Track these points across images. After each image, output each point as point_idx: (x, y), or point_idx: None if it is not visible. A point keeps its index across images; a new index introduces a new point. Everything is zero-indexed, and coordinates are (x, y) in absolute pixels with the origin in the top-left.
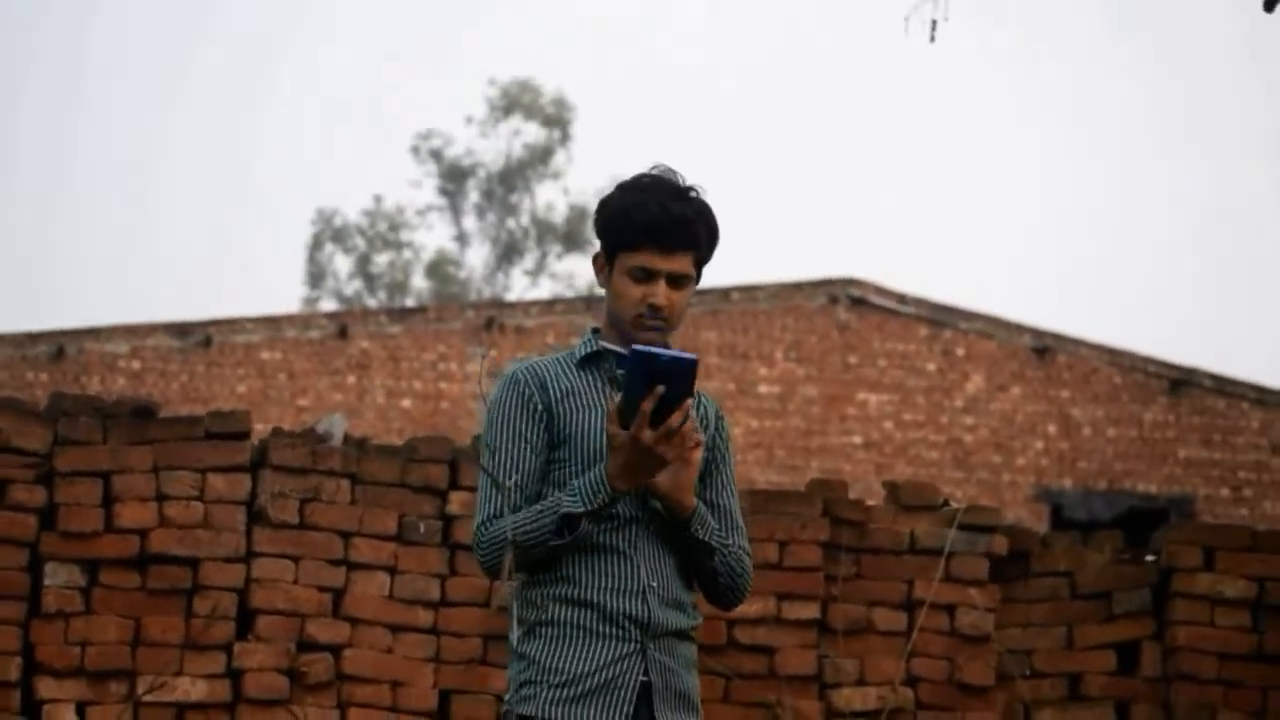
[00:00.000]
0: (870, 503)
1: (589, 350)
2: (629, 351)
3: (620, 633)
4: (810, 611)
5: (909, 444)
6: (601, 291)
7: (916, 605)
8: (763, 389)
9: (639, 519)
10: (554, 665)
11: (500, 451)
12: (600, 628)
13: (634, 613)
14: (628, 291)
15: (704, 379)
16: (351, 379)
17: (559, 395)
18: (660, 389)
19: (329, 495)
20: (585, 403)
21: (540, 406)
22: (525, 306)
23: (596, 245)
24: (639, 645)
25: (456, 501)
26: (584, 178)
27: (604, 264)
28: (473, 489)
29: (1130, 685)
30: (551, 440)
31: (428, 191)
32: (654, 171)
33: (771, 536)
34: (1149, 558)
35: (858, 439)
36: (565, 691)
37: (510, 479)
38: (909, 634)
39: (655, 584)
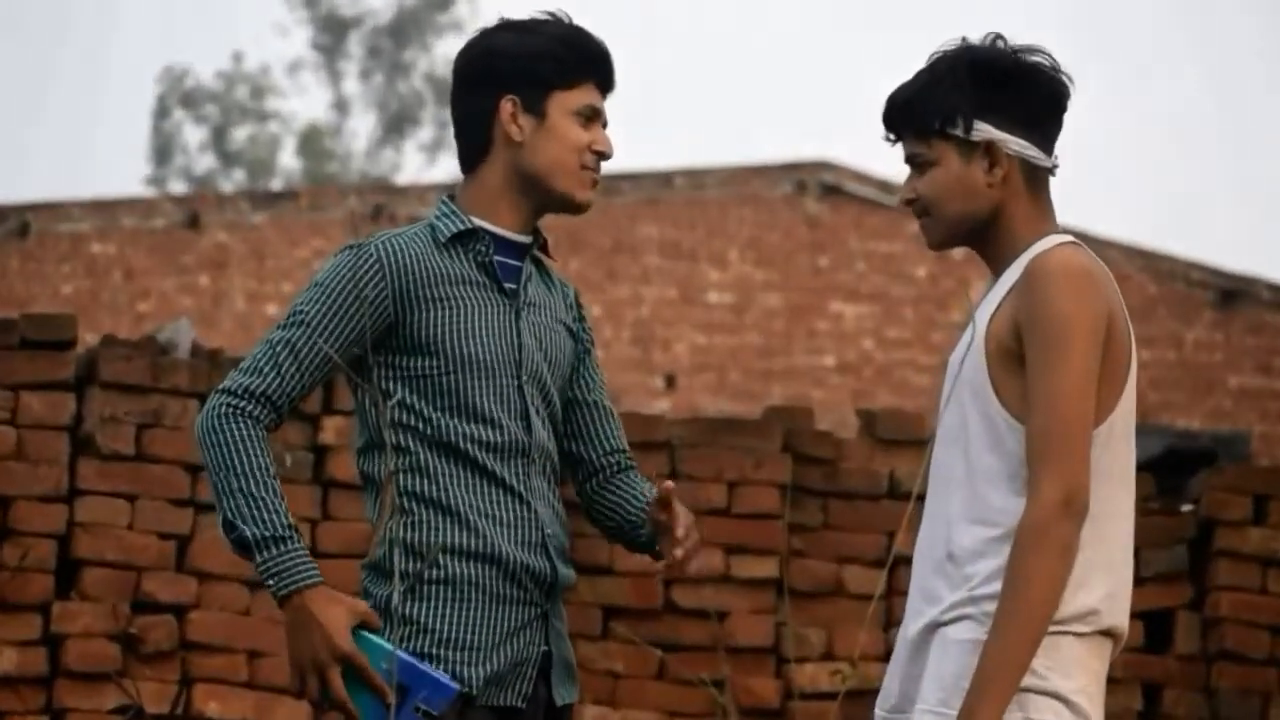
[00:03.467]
0: (842, 436)
1: (459, 228)
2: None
3: (523, 595)
4: (766, 569)
5: (892, 366)
6: None
7: (897, 563)
8: (713, 297)
9: (524, 449)
10: (453, 636)
11: (308, 327)
12: (502, 588)
13: (536, 569)
14: (571, 136)
15: (642, 283)
16: (204, 279)
17: (422, 286)
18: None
19: (173, 419)
20: (454, 295)
21: (386, 300)
22: (420, 191)
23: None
24: (540, 610)
25: (331, 429)
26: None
27: (518, 110)
28: (350, 413)
29: (1162, 665)
30: (401, 343)
31: (298, 45)
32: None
33: (719, 476)
34: (1186, 508)
35: (829, 360)
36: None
37: (295, 359)
38: (888, 598)
39: (551, 532)
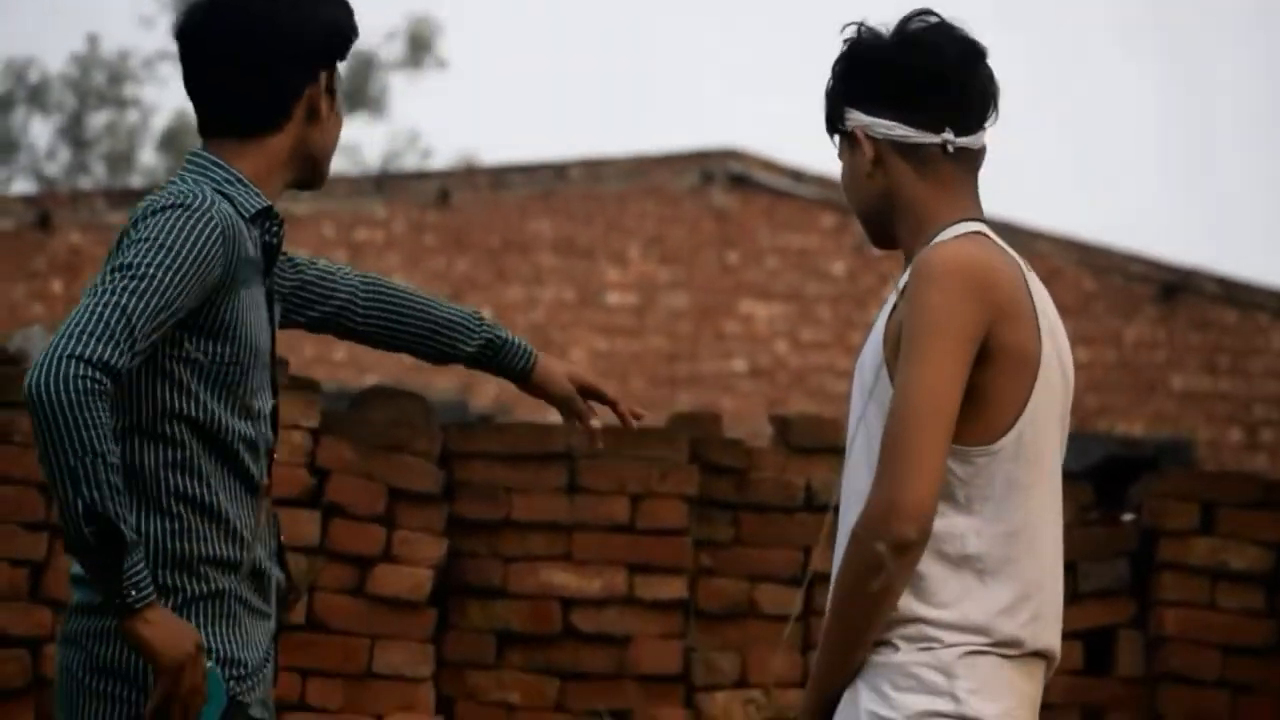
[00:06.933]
0: (754, 445)
1: (260, 204)
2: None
3: (268, 607)
4: (673, 589)
5: (808, 371)
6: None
7: (816, 580)
8: (613, 298)
9: (269, 447)
10: (228, 654)
11: (159, 295)
12: (259, 603)
13: (279, 580)
14: (339, 119)
15: (535, 284)
16: (57, 284)
17: (240, 265)
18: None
19: (24, 436)
20: (249, 278)
21: (219, 275)
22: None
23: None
24: (276, 622)
25: None
26: (374, 8)
27: (323, 87)
28: None
29: (1103, 688)
30: (201, 323)
31: (162, 33)
32: None
33: (622, 489)
34: (1127, 517)
35: (740, 364)
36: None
37: (149, 331)
38: (806, 618)
39: (281, 539)
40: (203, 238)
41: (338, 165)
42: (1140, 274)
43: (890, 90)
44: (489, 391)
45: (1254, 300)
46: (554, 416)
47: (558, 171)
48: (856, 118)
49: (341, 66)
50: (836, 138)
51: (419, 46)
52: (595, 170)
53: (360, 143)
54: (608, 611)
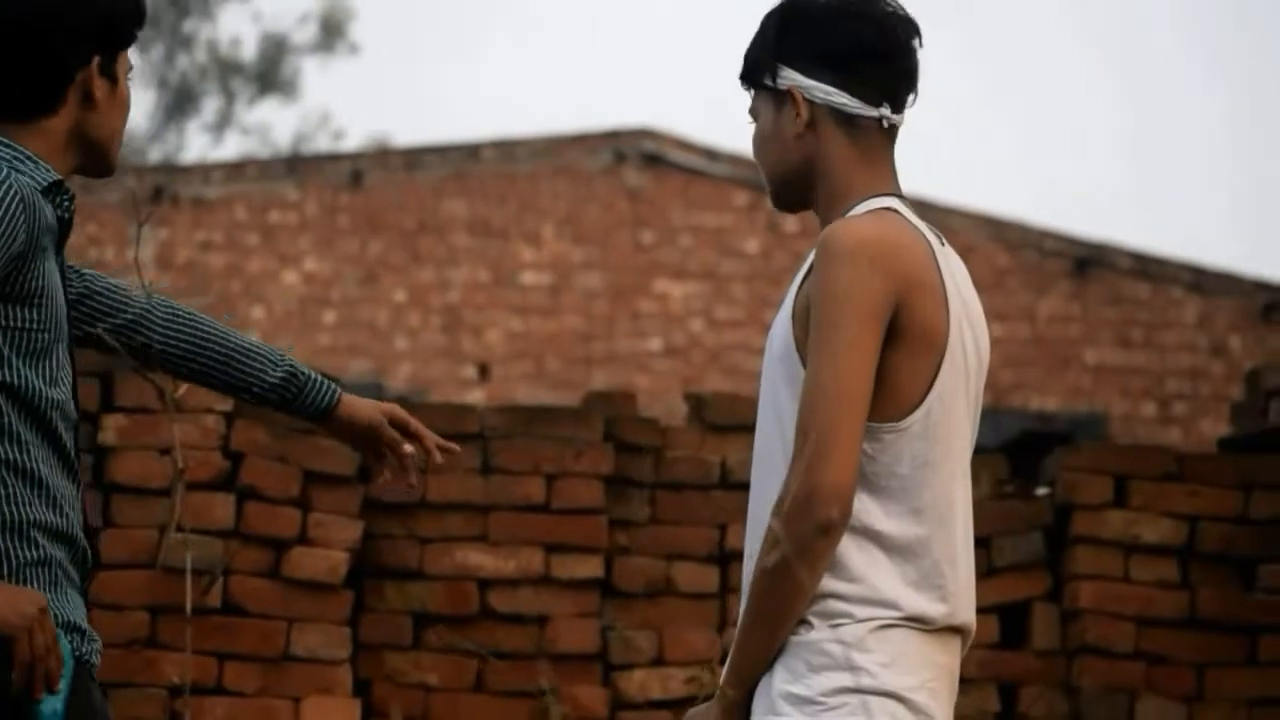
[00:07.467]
0: (669, 423)
1: (51, 178)
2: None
3: (80, 576)
4: (590, 568)
5: (723, 349)
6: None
7: (732, 558)
8: (527, 278)
9: (77, 420)
10: (71, 619)
11: None
12: (75, 574)
13: (88, 553)
14: (129, 103)
15: (450, 265)
16: None
17: (42, 233)
18: None
19: None
20: (49, 248)
21: (23, 246)
22: (205, 171)
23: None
24: (84, 594)
25: (112, 428)
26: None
27: (98, 71)
28: (133, 410)
29: (1019, 661)
30: (12, 290)
31: None
32: None
33: (537, 469)
34: (1041, 491)
35: (655, 343)
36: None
37: None
38: (723, 596)
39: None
40: (4, 205)
41: (249, 147)
42: (1053, 249)
43: (836, 56)
44: (404, 373)
45: (1167, 274)
46: (470, 400)
47: (470, 152)
48: (794, 77)
49: (133, 53)
50: (753, 92)
51: (331, 31)
52: (508, 150)
53: (271, 125)
54: (524, 591)
